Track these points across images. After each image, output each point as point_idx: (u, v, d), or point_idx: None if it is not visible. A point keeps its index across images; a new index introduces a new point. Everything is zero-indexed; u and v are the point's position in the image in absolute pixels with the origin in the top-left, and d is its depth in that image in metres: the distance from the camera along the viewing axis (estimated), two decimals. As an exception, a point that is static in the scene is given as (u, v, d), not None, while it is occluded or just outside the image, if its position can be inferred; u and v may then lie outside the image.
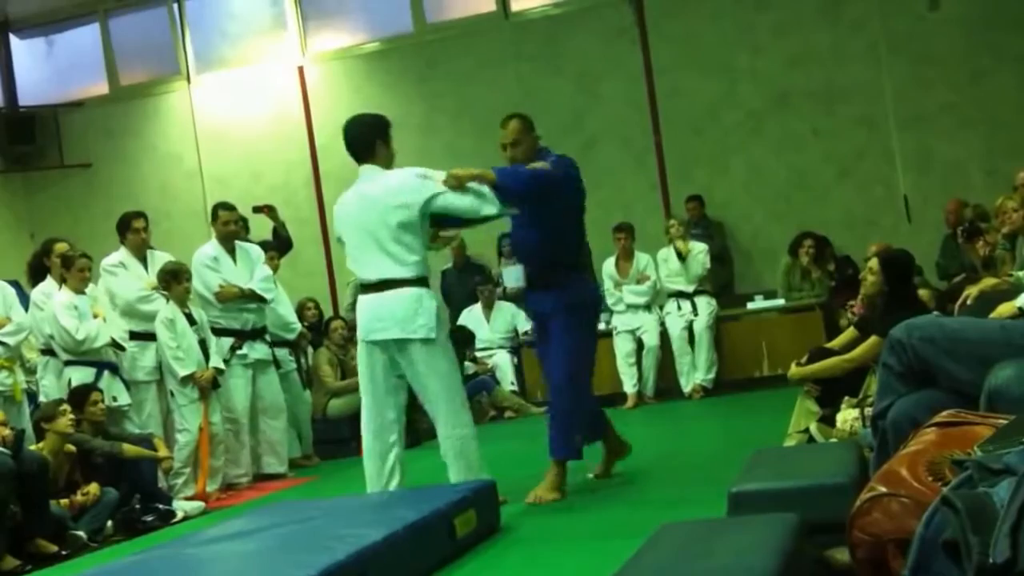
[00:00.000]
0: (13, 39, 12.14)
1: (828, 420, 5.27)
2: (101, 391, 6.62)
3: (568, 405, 5.27)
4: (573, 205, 5.39)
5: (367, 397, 5.15)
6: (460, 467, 5.03)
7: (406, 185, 5.01)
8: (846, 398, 5.24)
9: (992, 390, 2.77)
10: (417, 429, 7.34)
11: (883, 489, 2.20)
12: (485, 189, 5.00)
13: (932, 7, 9.62)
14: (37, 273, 7.26)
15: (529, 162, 5.21)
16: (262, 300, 7.42)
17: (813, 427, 5.28)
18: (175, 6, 11.61)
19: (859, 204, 9.89)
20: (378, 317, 4.97)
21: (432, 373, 5.02)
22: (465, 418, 5.10)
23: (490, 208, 5.01)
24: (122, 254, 7.29)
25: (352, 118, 5.30)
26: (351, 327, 8.69)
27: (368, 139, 5.15)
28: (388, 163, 5.18)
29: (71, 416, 6.03)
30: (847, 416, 5.11)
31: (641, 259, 9.34)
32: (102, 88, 11.98)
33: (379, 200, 4.99)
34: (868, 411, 4.67)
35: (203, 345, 7.04)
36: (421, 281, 5.01)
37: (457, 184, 4.98)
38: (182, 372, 6.86)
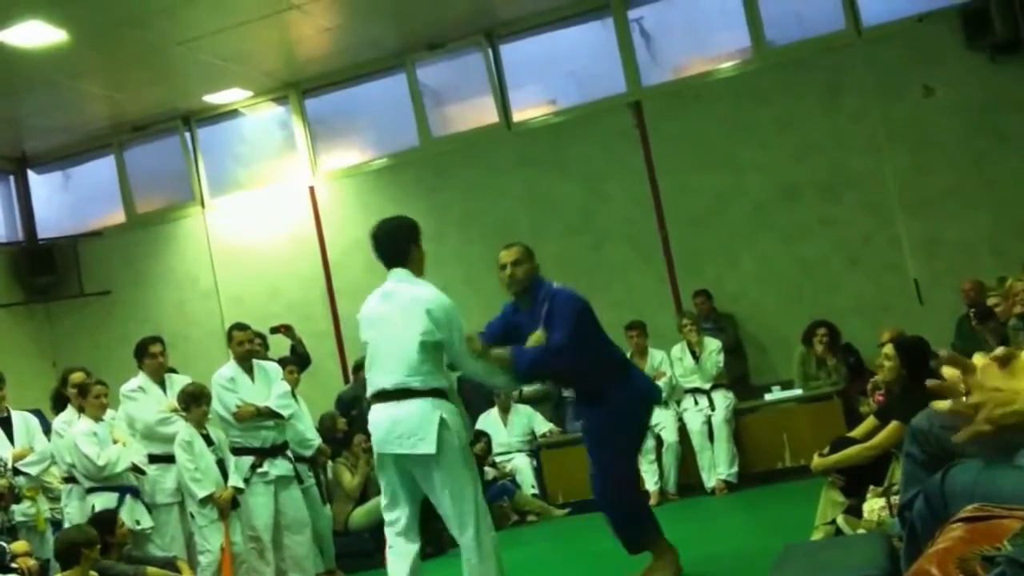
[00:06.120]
0: (31, 175, 12.42)
1: (854, 510, 5.22)
2: (116, 513, 6.60)
3: (627, 506, 5.48)
4: (587, 333, 5.44)
5: (385, 501, 5.07)
6: None
7: (443, 315, 4.94)
8: (871, 487, 5.19)
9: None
10: (441, 537, 7.29)
11: (915, 591, 2.17)
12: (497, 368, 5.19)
13: (927, 94, 9.78)
14: (59, 403, 7.35)
15: (527, 283, 5.41)
16: (279, 417, 7.45)
17: (840, 519, 5.23)
18: (187, 134, 11.90)
19: (870, 290, 9.91)
20: (388, 430, 4.89)
21: (441, 488, 4.90)
22: (478, 533, 4.89)
23: (499, 381, 5.25)
24: (140, 379, 7.36)
25: (383, 221, 5.23)
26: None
27: (401, 243, 5.10)
28: (420, 267, 5.11)
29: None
30: (874, 505, 5.06)
31: (655, 356, 9.36)
32: (119, 217, 12.21)
33: (409, 309, 4.92)
34: (894, 499, 4.64)
35: (221, 465, 7.05)
36: (435, 392, 4.91)
37: (474, 351, 5.10)
38: (200, 493, 6.86)
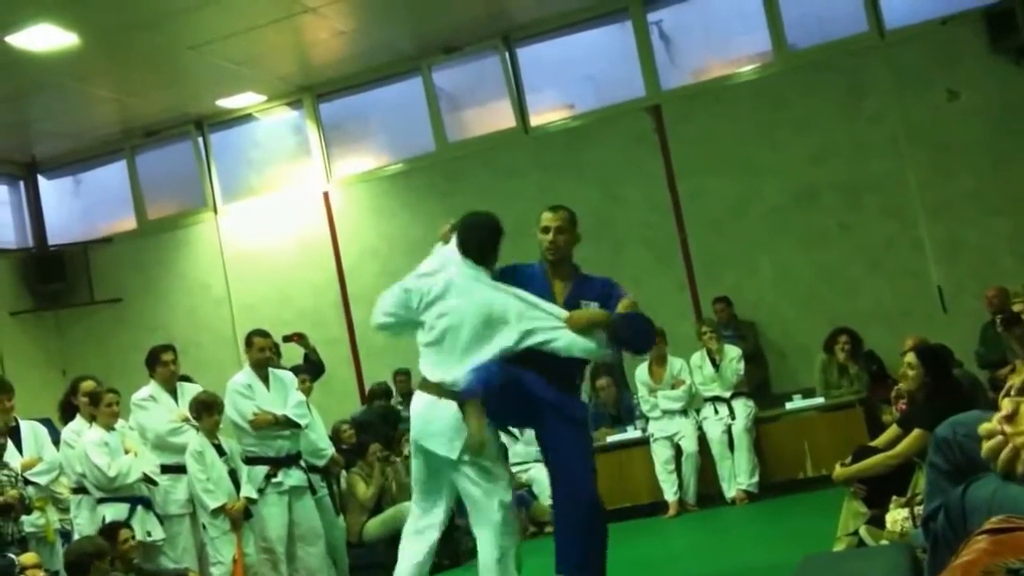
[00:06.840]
0: (41, 180, 12.38)
1: (877, 521, 5.13)
2: (131, 527, 6.53)
3: (604, 535, 5.07)
4: None
5: (416, 491, 5.13)
6: None
7: (522, 312, 4.91)
8: (894, 497, 5.08)
9: (1045, 488, 2.64)
10: (457, 550, 7.18)
11: (938, 604, 2.07)
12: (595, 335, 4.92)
13: (952, 98, 9.65)
14: (67, 412, 7.28)
15: (568, 253, 5.20)
16: (296, 426, 7.35)
17: (863, 530, 5.13)
18: (200, 139, 11.85)
19: (891, 296, 9.77)
20: (426, 421, 4.96)
21: (465, 492, 4.99)
22: (499, 542, 4.92)
23: (590, 350, 4.92)
24: (152, 388, 7.30)
25: (473, 219, 5.18)
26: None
27: (488, 247, 5.08)
28: (493, 268, 5.11)
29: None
30: (896, 516, 4.96)
31: (675, 363, 9.23)
32: (130, 223, 12.18)
33: (483, 307, 4.92)
34: (918, 510, 4.53)
35: (233, 475, 6.97)
36: None
37: (575, 327, 4.88)
38: (212, 504, 6.79)
